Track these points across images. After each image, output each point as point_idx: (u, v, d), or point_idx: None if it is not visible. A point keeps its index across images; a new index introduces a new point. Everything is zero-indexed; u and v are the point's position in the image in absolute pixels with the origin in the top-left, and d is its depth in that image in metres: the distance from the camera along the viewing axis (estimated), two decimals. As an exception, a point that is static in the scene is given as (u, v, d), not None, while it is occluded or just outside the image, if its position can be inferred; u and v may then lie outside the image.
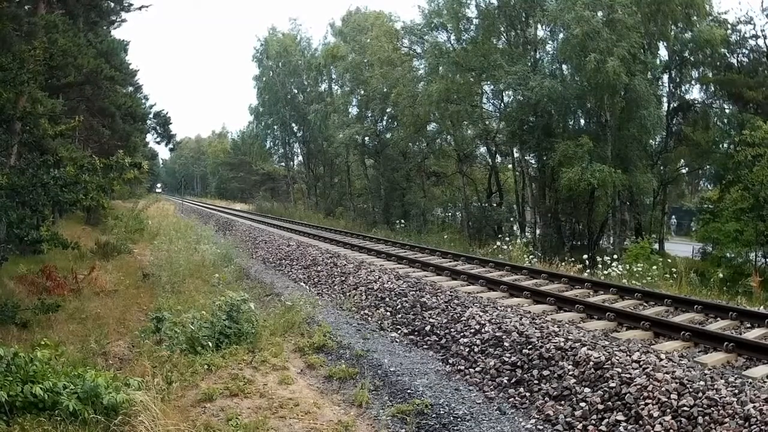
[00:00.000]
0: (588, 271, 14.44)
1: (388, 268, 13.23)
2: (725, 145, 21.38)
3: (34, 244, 10.12)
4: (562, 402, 6.12)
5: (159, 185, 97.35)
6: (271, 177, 59.97)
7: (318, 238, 20.88)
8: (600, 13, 20.40)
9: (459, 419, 5.98)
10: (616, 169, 19.43)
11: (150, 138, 30.40)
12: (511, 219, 26.25)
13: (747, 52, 23.10)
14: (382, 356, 7.98)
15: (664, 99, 23.77)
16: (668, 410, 5.34)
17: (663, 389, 5.57)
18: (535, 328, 7.71)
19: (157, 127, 25.65)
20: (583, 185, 19.38)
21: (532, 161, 25.83)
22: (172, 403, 5.93)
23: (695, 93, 24.64)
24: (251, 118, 52.28)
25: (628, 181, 20.15)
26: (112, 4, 16.33)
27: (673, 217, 33.31)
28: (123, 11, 16.83)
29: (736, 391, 5.39)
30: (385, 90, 30.01)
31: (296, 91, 46.54)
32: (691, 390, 5.48)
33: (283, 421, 5.77)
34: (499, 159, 28.36)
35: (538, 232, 24.49)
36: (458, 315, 8.99)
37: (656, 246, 21.56)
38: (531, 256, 16.74)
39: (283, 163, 55.65)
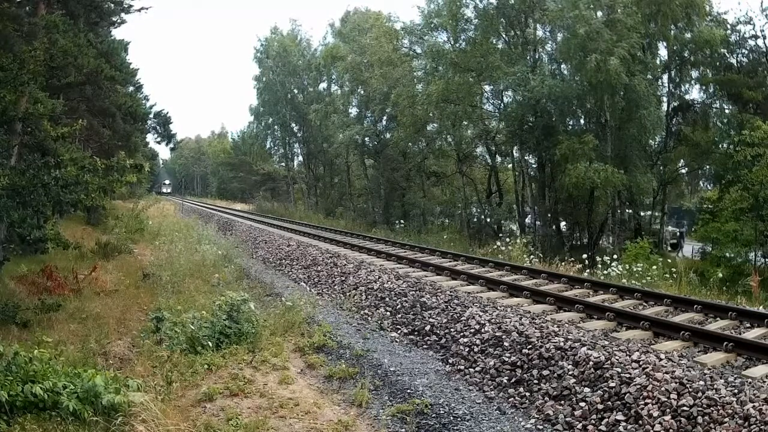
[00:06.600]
0: (587, 271, 14.43)
1: (388, 268, 13.23)
2: (725, 145, 21.39)
3: (38, 243, 10.15)
4: (562, 402, 6.12)
5: (167, 182, 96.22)
6: (271, 177, 59.93)
7: (318, 238, 20.88)
8: (599, 13, 20.44)
9: (459, 419, 5.99)
10: (618, 169, 19.47)
11: (150, 138, 30.49)
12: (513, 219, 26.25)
13: (746, 52, 23.15)
14: (382, 356, 7.99)
15: (664, 99, 23.84)
16: (668, 410, 5.35)
17: (663, 389, 5.58)
18: (535, 328, 7.72)
19: (158, 127, 25.68)
20: (587, 183, 19.41)
21: (532, 161, 25.85)
22: (172, 403, 5.94)
23: (695, 93, 24.75)
24: (251, 118, 52.40)
25: (629, 181, 20.17)
26: (112, 6, 16.30)
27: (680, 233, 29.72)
28: (123, 12, 16.80)
29: (736, 390, 5.40)
30: (385, 90, 30.02)
31: (296, 91, 46.56)
32: (690, 390, 5.49)
33: (283, 420, 5.78)
34: (498, 159, 28.37)
35: (537, 231, 24.51)
36: (458, 315, 9.00)
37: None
38: (531, 256, 16.74)
39: (283, 163, 55.62)
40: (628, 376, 5.95)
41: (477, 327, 8.32)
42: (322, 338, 8.55)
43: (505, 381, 6.87)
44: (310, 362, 7.71)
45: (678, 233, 27.93)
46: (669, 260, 15.44)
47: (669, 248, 25.51)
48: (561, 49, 22.39)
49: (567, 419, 5.78)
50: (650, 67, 22.37)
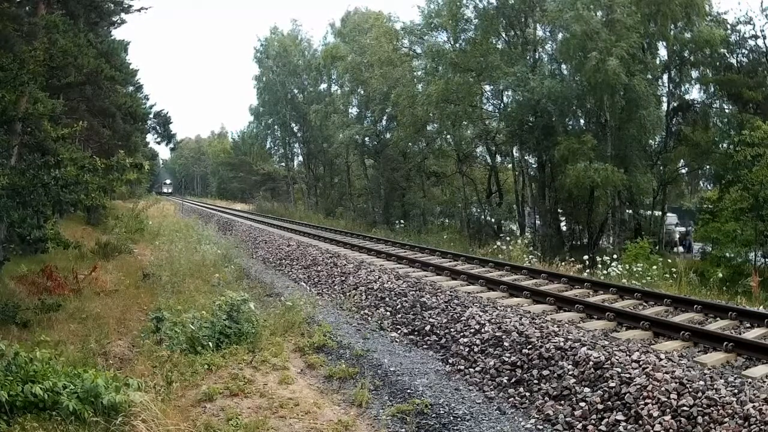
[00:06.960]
0: (588, 271, 14.43)
1: (388, 268, 13.24)
2: (725, 145, 21.37)
3: (38, 243, 10.15)
4: (562, 402, 6.13)
5: (168, 181, 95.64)
6: (271, 177, 59.94)
7: (318, 238, 20.89)
8: (599, 13, 20.43)
9: (459, 419, 5.99)
10: (618, 168, 19.47)
11: (150, 138, 30.57)
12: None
13: (746, 52, 23.11)
14: (382, 356, 7.99)
15: (664, 99, 23.78)
16: (668, 410, 5.35)
17: (663, 389, 5.58)
18: (535, 328, 7.72)
19: (158, 127, 25.74)
20: (587, 182, 19.41)
21: (532, 161, 25.84)
22: (172, 403, 5.94)
23: (695, 93, 24.68)
24: (251, 118, 52.54)
25: (629, 181, 20.17)
26: (112, 6, 16.32)
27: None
28: (123, 12, 16.82)
29: (736, 390, 5.40)
30: (385, 90, 30.02)
31: (296, 91, 46.58)
32: (690, 390, 5.49)
33: (283, 420, 5.78)
34: (498, 159, 28.38)
35: (537, 231, 24.51)
36: (458, 315, 9.00)
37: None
38: (531, 256, 16.74)
39: (283, 163, 55.65)
40: (628, 376, 5.96)
41: (477, 327, 8.32)
42: (322, 338, 8.55)
43: (505, 381, 6.87)
44: (310, 362, 7.72)
45: (686, 231, 27.68)
46: (669, 260, 15.43)
47: (681, 249, 25.15)
48: (561, 49, 22.39)
49: (567, 419, 5.78)
50: (650, 67, 22.33)
